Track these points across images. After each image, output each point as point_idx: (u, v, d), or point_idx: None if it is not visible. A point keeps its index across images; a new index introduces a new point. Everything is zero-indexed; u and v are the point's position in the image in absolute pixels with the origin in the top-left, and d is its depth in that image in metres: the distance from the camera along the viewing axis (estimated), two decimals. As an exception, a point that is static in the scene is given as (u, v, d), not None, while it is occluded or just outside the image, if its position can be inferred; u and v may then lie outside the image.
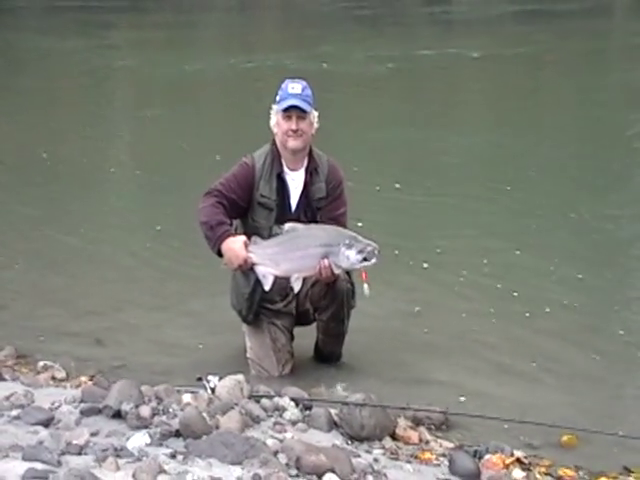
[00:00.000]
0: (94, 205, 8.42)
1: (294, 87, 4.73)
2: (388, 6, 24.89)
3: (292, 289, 4.63)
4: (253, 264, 4.62)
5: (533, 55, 17.08)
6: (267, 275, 4.60)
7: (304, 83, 4.79)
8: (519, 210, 7.87)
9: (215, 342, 5.34)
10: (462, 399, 4.55)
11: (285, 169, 4.79)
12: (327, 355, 5.03)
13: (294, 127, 4.70)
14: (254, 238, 4.65)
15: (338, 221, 4.78)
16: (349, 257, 4.46)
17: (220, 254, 4.66)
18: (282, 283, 4.72)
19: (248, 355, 4.94)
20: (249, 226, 4.79)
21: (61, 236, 7.48)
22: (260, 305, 4.84)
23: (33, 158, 10.05)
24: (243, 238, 4.63)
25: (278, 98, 4.76)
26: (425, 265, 6.47)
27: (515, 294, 5.91)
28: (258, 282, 4.69)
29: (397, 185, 8.57)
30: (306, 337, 5.04)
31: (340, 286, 4.74)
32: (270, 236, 4.71)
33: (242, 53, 18.39)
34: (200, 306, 5.89)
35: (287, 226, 4.62)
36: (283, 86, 4.77)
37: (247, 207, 4.77)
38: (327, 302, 4.78)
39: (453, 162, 9.78)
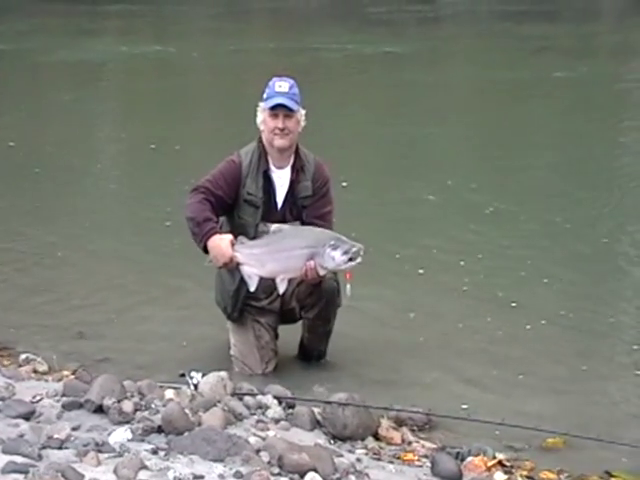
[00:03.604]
0: (73, 197, 8.42)
1: (281, 85, 4.72)
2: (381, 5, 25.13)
3: (277, 289, 4.62)
4: (238, 263, 4.61)
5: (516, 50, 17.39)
6: (252, 275, 4.60)
7: (291, 81, 4.77)
8: (515, 212, 7.85)
9: (199, 338, 5.33)
10: (446, 401, 4.52)
11: (271, 167, 4.78)
12: (311, 353, 5.01)
13: (281, 125, 4.69)
14: (240, 238, 4.65)
15: (324, 219, 4.78)
16: (334, 258, 4.46)
17: (206, 251, 4.65)
18: (267, 281, 4.71)
19: (232, 352, 4.93)
20: (235, 223, 4.78)
21: (44, 228, 7.46)
22: (245, 302, 4.82)
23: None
24: (230, 237, 4.62)
25: (265, 96, 4.75)
26: (421, 271, 6.39)
27: (514, 304, 5.83)
28: (243, 280, 4.68)
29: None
30: (290, 335, 5.02)
31: (327, 285, 4.73)
32: (256, 233, 4.71)
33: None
34: (184, 302, 5.87)
35: (273, 227, 4.62)
36: (270, 84, 4.76)
37: (233, 204, 4.76)
38: (313, 300, 4.77)
39: (432, 155, 9.88)
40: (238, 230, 4.73)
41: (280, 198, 4.79)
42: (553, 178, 8.91)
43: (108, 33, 21.56)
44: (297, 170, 4.79)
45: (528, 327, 5.48)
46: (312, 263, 4.48)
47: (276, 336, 4.95)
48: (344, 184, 7.94)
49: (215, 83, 15.33)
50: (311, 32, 20.95)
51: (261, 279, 4.61)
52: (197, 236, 4.64)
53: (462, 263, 6.54)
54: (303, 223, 4.77)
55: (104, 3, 26.22)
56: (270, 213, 4.75)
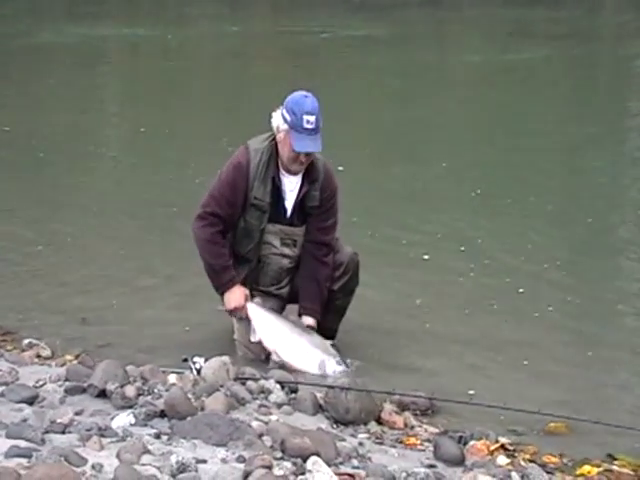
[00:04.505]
0: (74, 183, 8.40)
1: (309, 120, 4.51)
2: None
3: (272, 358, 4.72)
4: (247, 315, 4.71)
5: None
6: (255, 333, 4.71)
7: (316, 108, 4.56)
8: (503, 195, 7.85)
9: (201, 323, 5.33)
10: (450, 386, 4.52)
11: (282, 170, 4.69)
12: (323, 332, 4.92)
13: (303, 160, 4.61)
14: (257, 298, 4.77)
15: (327, 232, 4.80)
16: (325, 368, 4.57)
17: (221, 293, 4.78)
18: (277, 271, 4.80)
19: (235, 337, 4.92)
20: (240, 228, 4.74)
21: (46, 214, 7.46)
22: (251, 288, 4.83)
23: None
24: (245, 291, 4.73)
25: (289, 119, 4.54)
26: (425, 257, 6.36)
27: (521, 290, 5.81)
28: (247, 278, 4.78)
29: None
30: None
31: (352, 259, 4.86)
32: (261, 238, 4.73)
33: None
34: (188, 287, 5.86)
35: (293, 318, 4.77)
36: (297, 110, 4.54)
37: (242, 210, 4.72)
38: (339, 273, 4.85)
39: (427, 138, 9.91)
40: (242, 233, 4.73)
41: (289, 203, 4.74)
42: (545, 162, 8.98)
43: (98, 16, 21.47)
44: (308, 181, 4.71)
45: (536, 314, 5.45)
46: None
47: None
48: (340, 168, 7.94)
49: (197, 67, 15.38)
50: (307, 16, 20.89)
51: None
52: (214, 283, 4.77)
53: (462, 248, 6.53)
54: (307, 230, 4.79)
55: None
56: (278, 217, 4.73)
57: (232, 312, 4.77)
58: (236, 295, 4.72)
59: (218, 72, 14.83)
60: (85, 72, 14.57)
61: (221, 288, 4.75)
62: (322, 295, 4.82)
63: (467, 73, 14.39)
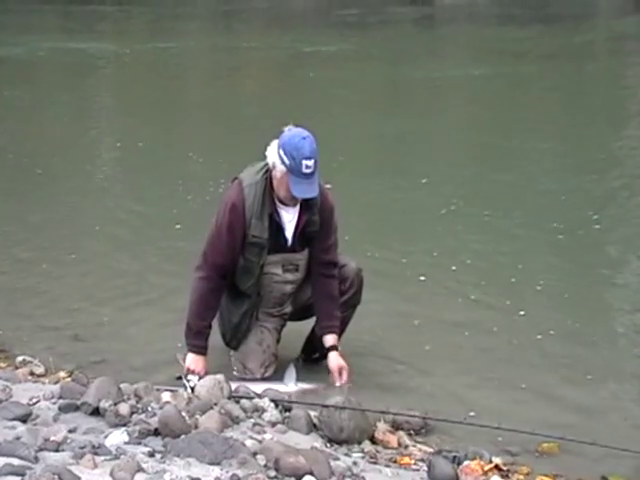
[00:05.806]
0: (70, 198, 8.39)
1: (308, 165, 4.42)
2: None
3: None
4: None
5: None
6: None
7: (314, 148, 4.47)
8: (479, 211, 7.84)
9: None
10: (445, 406, 4.51)
11: (278, 204, 4.64)
12: (322, 346, 4.88)
13: (300, 200, 4.61)
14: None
15: (329, 252, 4.80)
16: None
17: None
18: (279, 297, 4.80)
19: (231, 353, 4.92)
20: (240, 265, 4.71)
21: (39, 231, 7.45)
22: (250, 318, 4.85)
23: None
24: (206, 366, 4.72)
25: (287, 162, 4.43)
26: (422, 278, 6.32)
27: (522, 312, 5.75)
28: (246, 313, 4.77)
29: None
30: (290, 339, 5.01)
31: (358, 275, 4.87)
32: (261, 273, 4.71)
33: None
34: (181, 303, 5.78)
35: None
36: (296, 155, 4.42)
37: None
38: (345, 287, 4.85)
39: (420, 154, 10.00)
40: (242, 271, 4.71)
41: (289, 233, 4.70)
42: (526, 176, 9.10)
43: (84, 31, 21.64)
44: (306, 208, 4.67)
45: (539, 337, 5.40)
46: None
47: (278, 339, 4.93)
48: (328, 186, 8.00)
49: (167, 81, 15.53)
50: (288, 33, 21.11)
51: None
52: (186, 338, 4.77)
53: (454, 268, 6.52)
54: (311, 253, 4.78)
55: (92, 3, 26.33)
56: (279, 247, 4.69)
57: (187, 372, 4.64)
58: (199, 363, 4.71)
59: (191, 86, 15.03)
60: (69, 85, 14.73)
61: (189, 346, 4.74)
62: (338, 310, 4.83)
63: (445, 88, 14.53)
